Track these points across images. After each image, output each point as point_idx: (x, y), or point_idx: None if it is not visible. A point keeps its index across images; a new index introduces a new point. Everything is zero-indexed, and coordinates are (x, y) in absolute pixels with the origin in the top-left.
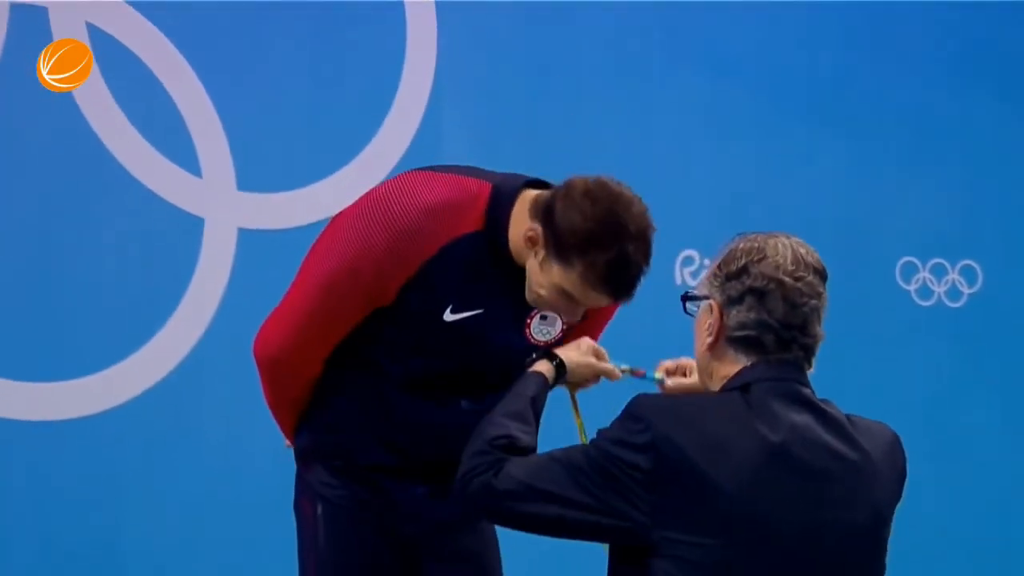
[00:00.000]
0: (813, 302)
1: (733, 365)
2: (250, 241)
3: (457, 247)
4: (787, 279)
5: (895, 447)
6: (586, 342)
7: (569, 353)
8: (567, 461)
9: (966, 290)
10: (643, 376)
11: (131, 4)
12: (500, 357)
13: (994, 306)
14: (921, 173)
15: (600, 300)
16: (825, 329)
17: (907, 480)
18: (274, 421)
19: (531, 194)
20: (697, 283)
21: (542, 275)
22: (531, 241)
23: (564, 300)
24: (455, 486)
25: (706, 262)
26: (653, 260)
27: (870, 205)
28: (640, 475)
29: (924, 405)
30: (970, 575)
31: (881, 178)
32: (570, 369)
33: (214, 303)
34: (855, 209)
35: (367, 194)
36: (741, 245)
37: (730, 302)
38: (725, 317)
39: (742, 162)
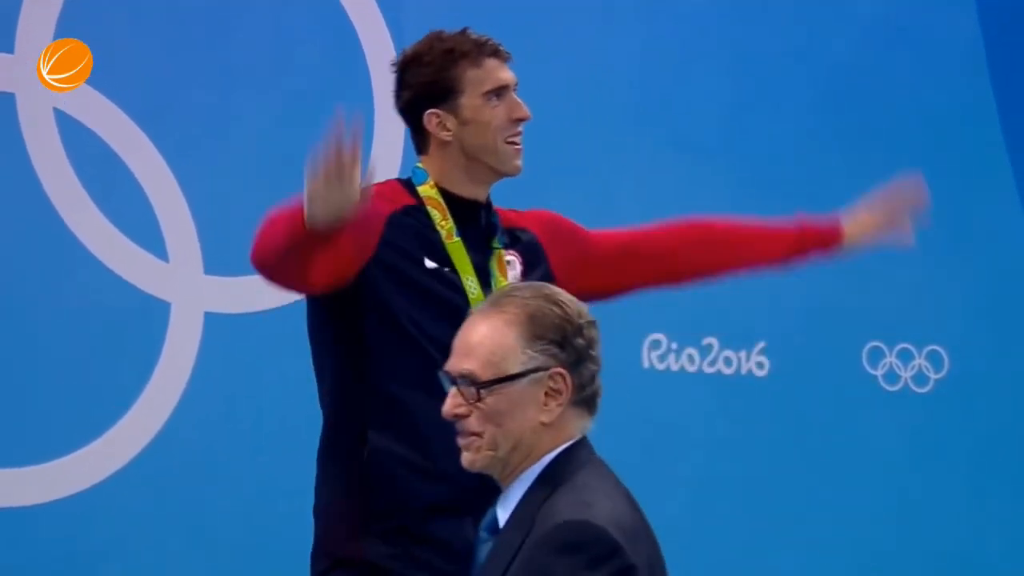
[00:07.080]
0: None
1: (570, 430)
2: (217, 325)
3: (403, 216)
4: (589, 326)
5: None
6: None
7: None
8: None
9: (933, 375)
10: None
11: (98, 89)
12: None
13: (961, 392)
14: (887, 257)
15: (496, 65)
16: (793, 413)
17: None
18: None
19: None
20: (486, 365)
21: (477, 120)
22: (441, 124)
23: (498, 100)
24: None
25: (673, 345)
26: (620, 346)
27: (836, 290)
28: None
29: (891, 492)
30: None
31: (847, 262)
32: None
33: (180, 388)
34: (821, 294)
35: None
36: (549, 314)
37: (578, 362)
38: (575, 379)
39: None
